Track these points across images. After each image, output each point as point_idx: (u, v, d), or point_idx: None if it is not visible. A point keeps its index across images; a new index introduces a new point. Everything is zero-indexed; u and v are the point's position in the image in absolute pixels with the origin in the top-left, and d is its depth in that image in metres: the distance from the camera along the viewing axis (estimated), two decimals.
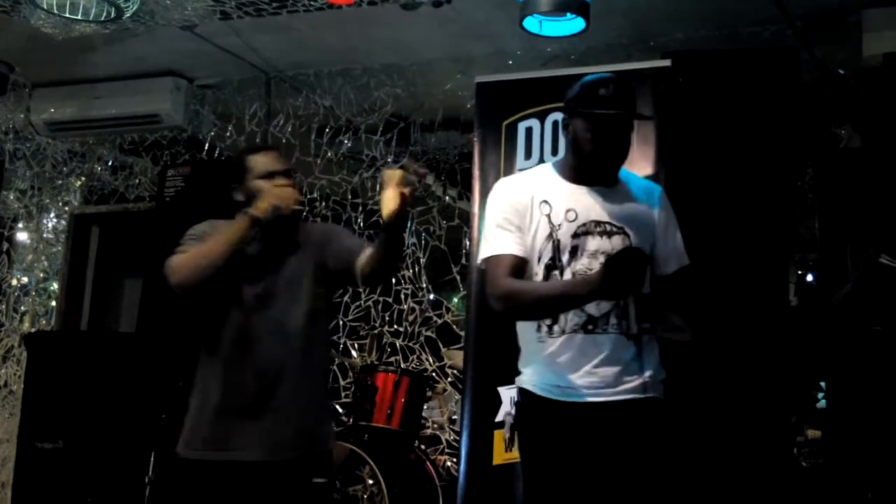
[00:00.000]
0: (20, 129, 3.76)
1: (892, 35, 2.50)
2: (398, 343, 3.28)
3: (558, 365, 1.53)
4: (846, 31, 2.61)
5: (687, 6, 2.65)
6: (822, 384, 2.82)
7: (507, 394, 2.44)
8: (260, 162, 1.65)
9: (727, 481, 2.25)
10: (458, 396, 3.04)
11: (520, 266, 1.55)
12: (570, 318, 1.51)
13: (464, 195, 3.29)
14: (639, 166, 2.43)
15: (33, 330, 3.76)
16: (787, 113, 2.47)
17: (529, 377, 1.58)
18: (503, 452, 2.40)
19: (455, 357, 3.06)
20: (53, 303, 3.88)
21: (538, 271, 1.54)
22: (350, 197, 3.45)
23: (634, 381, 1.53)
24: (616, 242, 1.54)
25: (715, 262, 2.40)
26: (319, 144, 3.45)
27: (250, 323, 1.57)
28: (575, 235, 1.54)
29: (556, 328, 1.53)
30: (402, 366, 3.17)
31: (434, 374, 3.20)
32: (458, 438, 2.67)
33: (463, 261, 3.18)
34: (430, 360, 3.23)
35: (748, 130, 2.43)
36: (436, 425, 3.13)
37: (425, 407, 2.97)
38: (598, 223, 1.55)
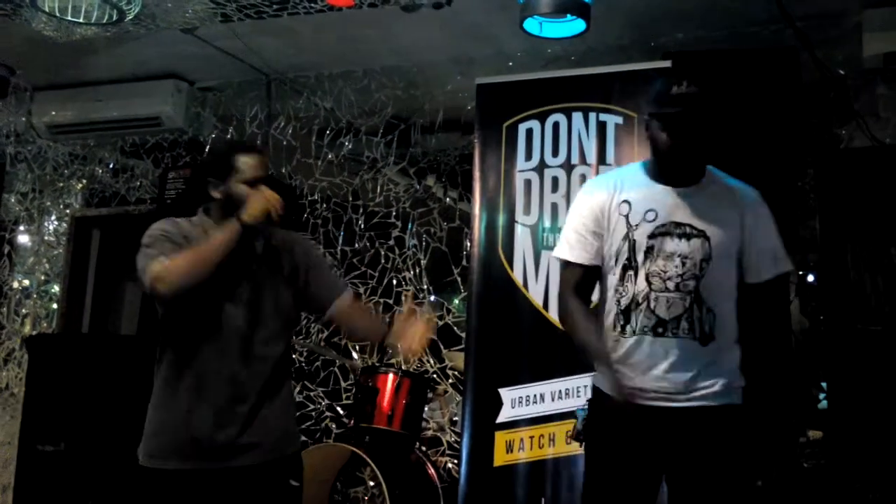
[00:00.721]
0: (21, 132, 3.76)
1: (892, 35, 2.50)
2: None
3: (629, 367, 1.53)
4: (846, 31, 2.60)
5: (687, 7, 2.65)
6: (824, 385, 2.82)
7: (508, 395, 2.44)
8: (249, 165, 1.57)
9: (729, 482, 2.25)
10: (458, 398, 3.03)
11: (589, 274, 1.61)
12: (640, 320, 1.52)
13: (464, 196, 3.29)
14: None
15: (34, 332, 3.76)
16: (787, 113, 2.47)
17: (603, 375, 1.58)
18: (504, 454, 2.41)
19: (456, 358, 3.06)
20: (54, 305, 3.88)
21: (616, 272, 1.56)
22: (351, 199, 3.45)
23: (708, 388, 1.51)
24: (695, 245, 1.51)
25: None
26: (320, 146, 3.45)
27: (227, 331, 1.52)
28: (652, 236, 1.54)
29: (628, 328, 1.54)
30: (403, 367, 3.17)
31: (435, 375, 3.20)
32: (458, 440, 2.67)
33: (464, 262, 3.17)
34: (431, 362, 3.23)
35: (749, 131, 2.43)
36: (437, 427, 3.12)
37: (426, 408, 2.97)
38: (678, 224, 1.53)
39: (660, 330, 1.51)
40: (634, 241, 1.54)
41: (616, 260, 1.56)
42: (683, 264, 1.51)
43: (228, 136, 3.51)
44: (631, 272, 1.54)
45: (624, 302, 1.55)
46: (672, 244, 1.53)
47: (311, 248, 1.71)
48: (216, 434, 1.51)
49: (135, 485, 1.55)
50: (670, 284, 1.51)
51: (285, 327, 1.60)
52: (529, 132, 2.57)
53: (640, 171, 1.63)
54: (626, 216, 1.56)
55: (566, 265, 1.64)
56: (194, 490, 1.51)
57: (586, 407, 1.62)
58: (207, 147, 3.52)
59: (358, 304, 1.73)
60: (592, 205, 1.61)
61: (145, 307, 3.39)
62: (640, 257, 1.54)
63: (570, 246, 1.62)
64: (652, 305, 1.52)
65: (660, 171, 1.58)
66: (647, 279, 1.53)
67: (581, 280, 1.61)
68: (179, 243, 1.53)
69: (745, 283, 1.56)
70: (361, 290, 3.36)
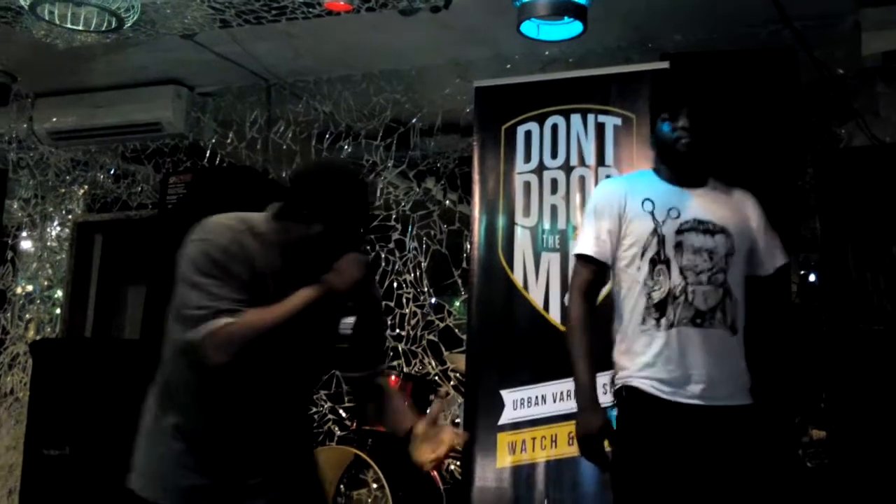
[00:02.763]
0: (23, 138, 3.78)
1: (891, 34, 2.49)
2: (400, 347, 3.29)
3: (665, 359, 1.56)
4: (845, 30, 2.60)
5: (684, 8, 2.65)
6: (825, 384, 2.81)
7: (510, 397, 2.45)
8: (360, 215, 1.32)
9: (731, 482, 2.25)
10: (460, 400, 3.04)
11: (602, 274, 1.68)
12: (679, 312, 1.57)
13: (464, 199, 3.30)
14: (639, 167, 2.43)
15: (38, 337, 3.78)
16: (786, 113, 2.46)
17: (636, 372, 1.59)
18: (507, 455, 2.41)
19: (457, 361, 3.06)
20: (58, 310, 3.90)
21: (641, 265, 1.61)
22: None
23: (740, 384, 1.60)
24: (719, 241, 1.60)
25: None
26: (320, 150, 3.46)
27: (271, 370, 1.30)
28: (679, 231, 1.61)
29: (663, 321, 1.58)
30: (405, 370, 3.18)
31: (437, 377, 3.21)
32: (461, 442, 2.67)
33: (464, 264, 3.18)
34: (433, 364, 3.24)
35: (748, 131, 2.43)
36: None
37: (428, 411, 2.97)
38: (700, 222, 1.62)
39: (698, 321, 1.56)
40: (664, 236, 1.60)
41: (642, 255, 1.61)
42: (711, 258, 1.58)
43: (229, 142, 3.51)
44: (662, 266, 1.59)
45: (657, 296, 1.59)
46: (698, 240, 1.59)
47: (377, 299, 1.49)
48: (239, 478, 1.31)
49: None
50: (703, 278, 1.57)
51: (322, 370, 1.45)
52: (528, 134, 2.57)
53: (651, 175, 1.72)
54: (652, 213, 1.63)
55: (586, 262, 1.68)
56: None
57: (614, 404, 1.65)
58: (207, 153, 3.51)
59: (391, 389, 1.53)
60: (611, 203, 1.67)
61: (148, 311, 3.40)
62: (670, 252, 1.59)
63: (592, 243, 1.67)
64: (690, 298, 1.57)
65: (674, 173, 1.67)
66: (681, 273, 1.57)
67: (595, 279, 1.68)
68: (243, 279, 1.25)
69: (756, 277, 1.67)
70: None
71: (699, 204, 1.62)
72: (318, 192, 1.30)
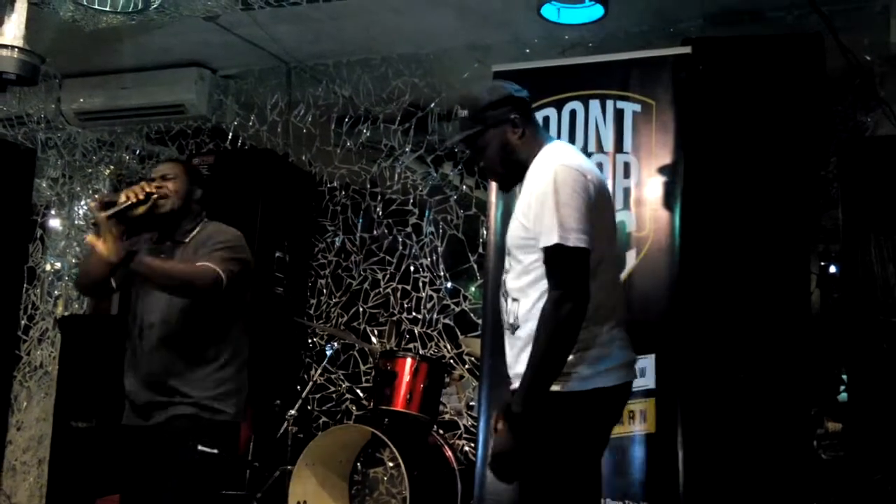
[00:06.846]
0: (51, 118, 3.84)
1: None
2: (416, 330, 3.32)
3: None
4: (873, 16, 2.53)
5: None
6: (844, 377, 2.79)
7: None
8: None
9: (747, 473, 2.25)
10: (475, 383, 3.07)
11: None
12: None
13: (481, 185, 3.30)
14: (658, 154, 2.42)
15: (66, 313, 3.88)
16: (810, 101, 2.42)
17: None
18: None
19: (472, 345, 3.09)
20: None
21: None
22: (369, 186, 3.48)
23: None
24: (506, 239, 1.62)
25: (736, 253, 2.38)
26: (339, 134, 3.48)
27: (144, 310, 1.87)
28: None
29: None
30: (421, 352, 3.21)
31: (452, 360, 3.24)
32: (475, 424, 2.71)
33: (480, 250, 3.19)
34: (448, 348, 3.27)
35: (770, 119, 2.39)
36: (454, 411, 3.17)
37: (443, 393, 3.01)
38: None
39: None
40: None
41: None
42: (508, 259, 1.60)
43: (251, 125, 3.55)
44: None
45: None
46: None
47: (209, 240, 1.87)
48: (141, 395, 1.84)
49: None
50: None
51: (182, 313, 1.83)
52: (546, 120, 2.56)
53: None
54: None
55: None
56: (136, 445, 1.87)
57: None
58: (230, 135, 3.55)
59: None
60: None
61: None
62: None
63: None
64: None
65: None
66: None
67: None
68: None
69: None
70: (380, 275, 3.41)
71: None
72: None
